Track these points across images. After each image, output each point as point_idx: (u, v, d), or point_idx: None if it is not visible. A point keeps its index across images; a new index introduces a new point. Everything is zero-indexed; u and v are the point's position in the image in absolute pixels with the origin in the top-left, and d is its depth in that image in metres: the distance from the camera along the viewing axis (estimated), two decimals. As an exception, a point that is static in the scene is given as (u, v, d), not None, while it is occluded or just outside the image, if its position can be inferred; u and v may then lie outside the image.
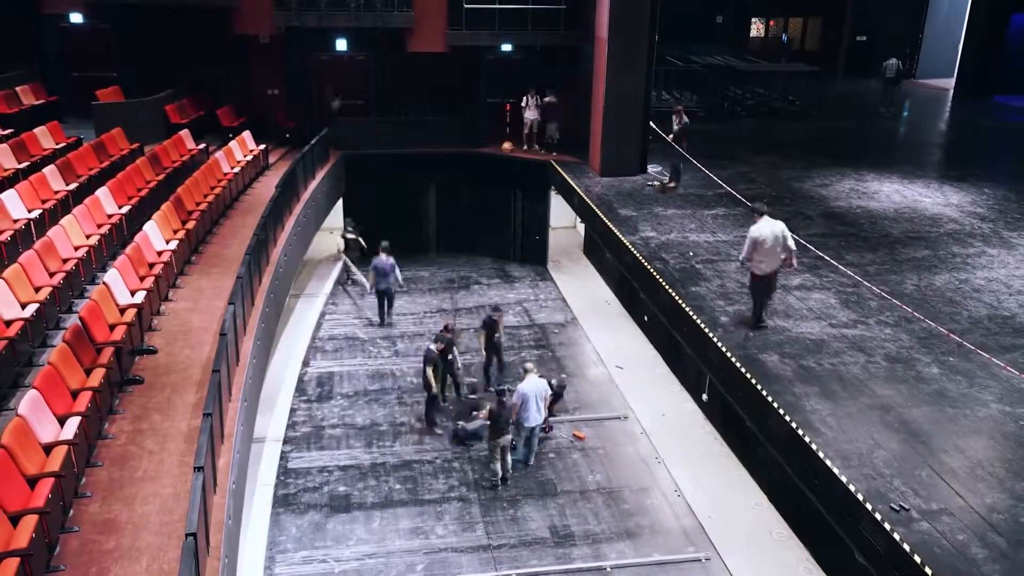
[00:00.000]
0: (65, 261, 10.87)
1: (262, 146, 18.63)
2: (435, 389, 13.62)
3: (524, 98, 20.33)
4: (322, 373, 15.73)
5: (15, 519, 6.22)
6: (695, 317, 11.51)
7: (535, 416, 12.17)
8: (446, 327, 14.69)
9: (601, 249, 17.12)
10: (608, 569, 10.53)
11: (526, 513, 11.63)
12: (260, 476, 12.33)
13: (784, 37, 32.48)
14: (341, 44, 21.27)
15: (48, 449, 7.11)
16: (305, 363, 16.10)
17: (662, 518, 11.55)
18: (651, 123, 18.71)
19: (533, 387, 12.14)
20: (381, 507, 11.77)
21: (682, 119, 18.33)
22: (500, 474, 12.11)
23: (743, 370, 10.07)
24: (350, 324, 17.97)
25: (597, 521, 11.49)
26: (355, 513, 11.66)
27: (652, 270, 13.27)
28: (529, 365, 12.59)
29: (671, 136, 18.23)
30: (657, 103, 21.53)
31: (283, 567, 10.64)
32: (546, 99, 20.29)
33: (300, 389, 15.11)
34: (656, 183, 18.01)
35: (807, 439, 8.63)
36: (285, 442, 13.39)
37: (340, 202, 21.14)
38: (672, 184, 17.75)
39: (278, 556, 10.82)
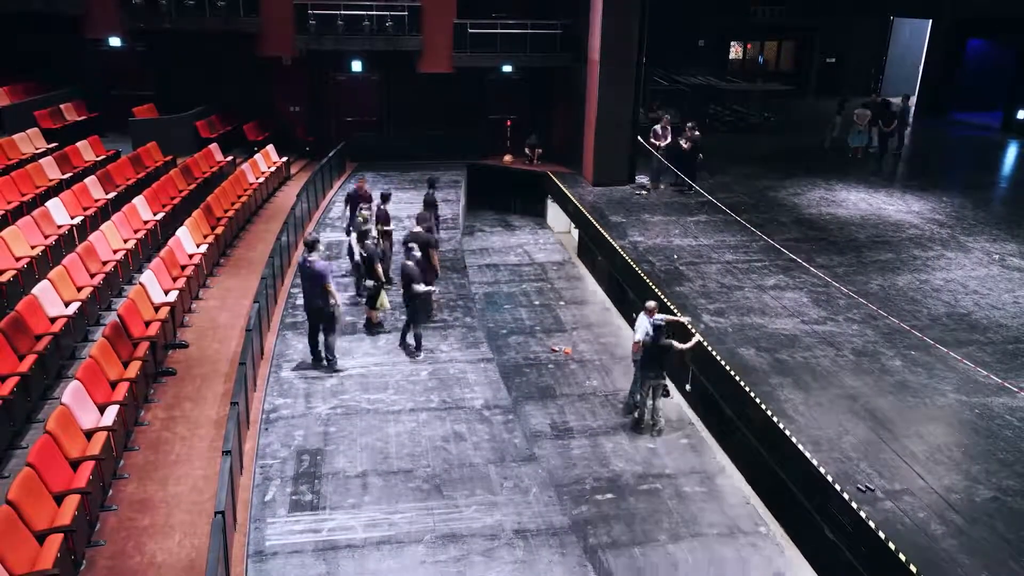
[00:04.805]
0: (105, 263, 10.89)
1: (284, 158, 18.65)
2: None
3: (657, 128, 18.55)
4: (331, 241, 15.00)
5: (59, 498, 6.23)
6: (679, 314, 11.50)
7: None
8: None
9: (593, 252, 17.06)
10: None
11: (526, 412, 11.28)
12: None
13: (760, 59, 32.48)
14: (356, 65, 21.26)
15: (89, 434, 7.13)
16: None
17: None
18: (639, 137, 18.71)
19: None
20: (387, 332, 11.37)
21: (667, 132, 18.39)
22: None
23: (723, 362, 10.06)
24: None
25: (595, 418, 11.23)
26: (362, 335, 11.26)
27: (640, 271, 13.25)
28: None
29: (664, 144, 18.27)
30: (645, 119, 21.48)
31: (288, 372, 10.20)
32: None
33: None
34: (644, 191, 18.07)
35: (781, 425, 8.62)
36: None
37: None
38: (660, 186, 17.93)
39: (284, 364, 10.37)
